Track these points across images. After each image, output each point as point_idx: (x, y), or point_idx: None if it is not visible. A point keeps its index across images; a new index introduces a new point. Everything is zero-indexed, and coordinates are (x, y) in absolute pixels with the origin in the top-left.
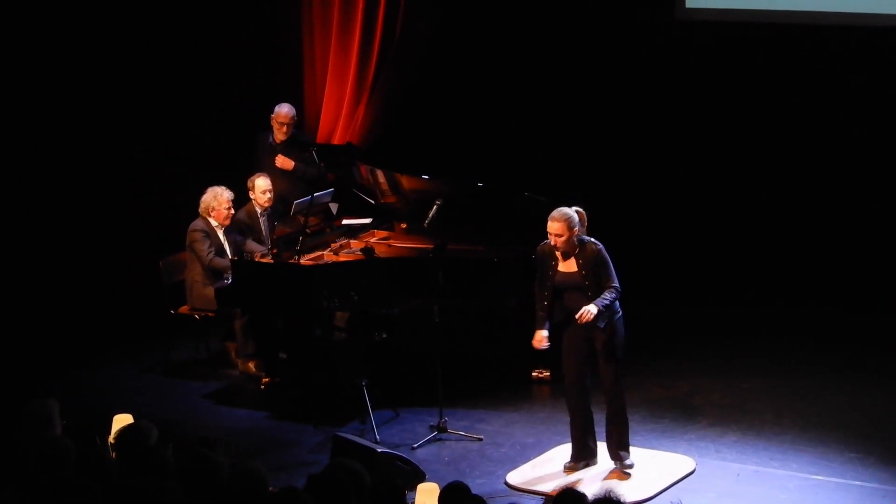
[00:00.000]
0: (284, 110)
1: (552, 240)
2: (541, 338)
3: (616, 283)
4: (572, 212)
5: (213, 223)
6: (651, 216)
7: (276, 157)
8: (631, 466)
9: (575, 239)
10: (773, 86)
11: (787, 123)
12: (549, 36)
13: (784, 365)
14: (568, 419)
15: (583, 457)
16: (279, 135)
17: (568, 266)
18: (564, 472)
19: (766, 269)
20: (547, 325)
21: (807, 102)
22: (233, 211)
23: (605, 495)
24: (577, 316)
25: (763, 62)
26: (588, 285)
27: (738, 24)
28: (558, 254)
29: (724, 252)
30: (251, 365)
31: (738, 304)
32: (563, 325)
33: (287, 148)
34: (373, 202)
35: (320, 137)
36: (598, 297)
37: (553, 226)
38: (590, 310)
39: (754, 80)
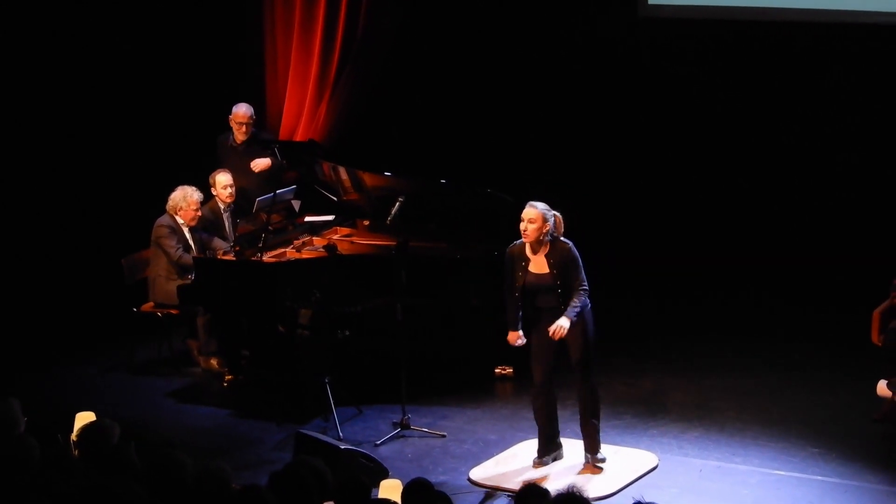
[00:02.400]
0: (242, 110)
1: (524, 226)
2: (515, 337)
3: (585, 284)
4: (546, 207)
5: (179, 221)
6: (614, 214)
7: (253, 163)
8: (603, 460)
9: (545, 236)
10: (735, 82)
11: (750, 120)
12: (512, 34)
13: (746, 362)
14: (531, 415)
15: (549, 450)
16: (239, 135)
17: (539, 267)
18: (533, 466)
19: (729, 268)
20: (519, 324)
21: (770, 99)
22: (200, 213)
23: (568, 491)
24: (550, 333)
25: (725, 58)
26: (559, 284)
27: (700, 20)
28: (529, 253)
29: (687, 250)
30: (214, 362)
31: (700, 301)
32: (533, 322)
33: (248, 147)
34: (335, 199)
35: (282, 135)
36: (568, 298)
37: (529, 212)
38: (562, 325)
39: (716, 76)
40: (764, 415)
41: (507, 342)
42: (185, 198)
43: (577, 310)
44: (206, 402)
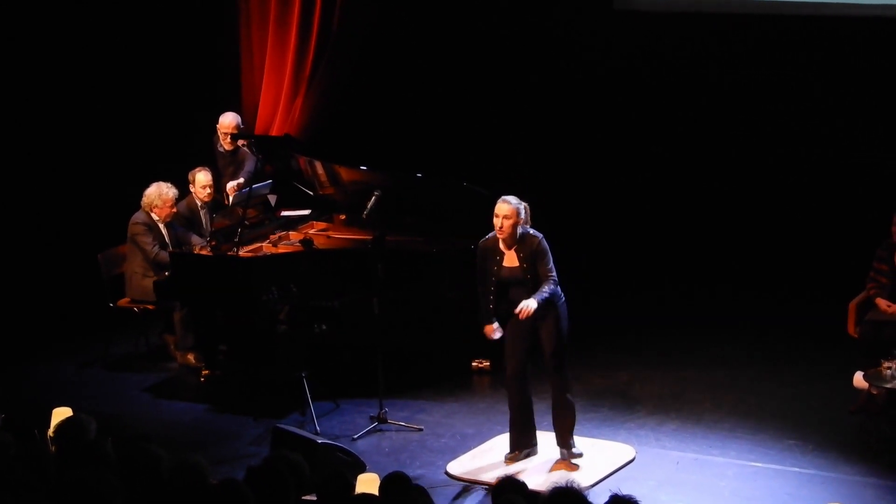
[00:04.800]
0: (227, 120)
1: (499, 222)
2: (491, 330)
3: (554, 274)
4: (519, 202)
5: (155, 217)
6: (590, 207)
7: (228, 186)
8: (579, 456)
9: (518, 229)
10: (709, 75)
11: (725, 112)
12: (486, 28)
13: (723, 354)
14: (508, 409)
15: (522, 445)
16: (225, 143)
17: (511, 261)
18: (505, 462)
19: (705, 260)
20: (493, 317)
21: (745, 91)
22: (175, 210)
23: (566, 485)
24: (516, 311)
25: (698, 51)
26: (529, 279)
27: (673, 14)
28: (502, 247)
29: (664, 243)
30: (190, 357)
31: (677, 295)
32: (507, 316)
33: (235, 155)
34: (311, 194)
35: (258, 129)
36: (538, 290)
37: (503, 207)
38: (529, 305)
39: (690, 69)
40: (741, 407)
41: (484, 336)
42: (159, 195)
43: (546, 295)
44: (182, 397)
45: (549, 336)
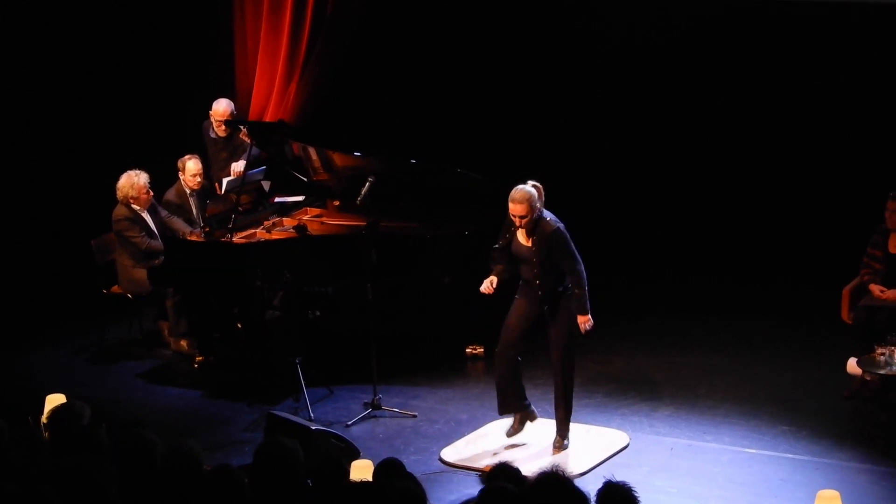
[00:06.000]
0: (221, 107)
1: (517, 221)
2: (488, 282)
3: (579, 266)
4: (532, 189)
5: (136, 208)
6: (585, 192)
7: (233, 166)
8: (565, 447)
9: (535, 215)
10: (704, 60)
11: (716, 95)
12: (477, 11)
13: (717, 340)
14: None
15: (510, 409)
16: (219, 131)
17: (523, 238)
18: (507, 436)
19: (699, 245)
20: (498, 274)
21: (735, 77)
22: (152, 192)
23: (551, 470)
24: (582, 331)
25: (694, 35)
26: (536, 262)
27: None
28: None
29: (657, 228)
30: (184, 343)
31: (671, 279)
32: (519, 288)
33: (230, 142)
34: (305, 180)
35: (252, 115)
36: (546, 276)
37: (516, 208)
38: (586, 325)
39: (683, 53)
40: (735, 393)
41: (478, 322)
42: (132, 185)
43: (585, 297)
44: (176, 383)
45: (558, 325)
